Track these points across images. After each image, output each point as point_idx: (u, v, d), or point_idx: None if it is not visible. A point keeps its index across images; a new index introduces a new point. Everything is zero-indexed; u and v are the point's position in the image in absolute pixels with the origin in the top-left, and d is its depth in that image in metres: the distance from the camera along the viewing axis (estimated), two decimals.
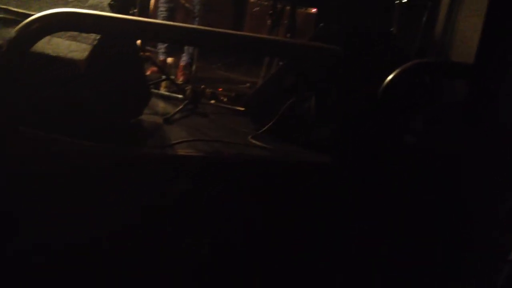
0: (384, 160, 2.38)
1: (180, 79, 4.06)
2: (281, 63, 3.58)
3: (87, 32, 2.18)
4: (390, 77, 2.13)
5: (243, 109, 3.33)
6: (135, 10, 3.98)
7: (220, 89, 3.89)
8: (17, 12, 2.25)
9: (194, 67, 3.91)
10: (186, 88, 3.35)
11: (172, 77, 3.78)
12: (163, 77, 3.55)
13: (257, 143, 2.71)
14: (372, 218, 2.39)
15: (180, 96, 3.34)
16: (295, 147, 2.72)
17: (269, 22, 4.03)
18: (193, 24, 4.15)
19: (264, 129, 2.84)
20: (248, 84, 4.37)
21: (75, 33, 2.20)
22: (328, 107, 2.72)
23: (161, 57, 4.32)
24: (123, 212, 2.23)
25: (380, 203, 2.39)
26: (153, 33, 2.10)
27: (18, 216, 2.09)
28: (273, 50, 2.26)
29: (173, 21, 4.22)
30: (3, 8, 2.27)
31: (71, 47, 2.18)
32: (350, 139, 2.45)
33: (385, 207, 2.41)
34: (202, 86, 3.68)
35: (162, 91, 3.52)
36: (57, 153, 2.20)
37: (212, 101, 3.55)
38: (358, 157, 2.27)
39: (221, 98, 3.65)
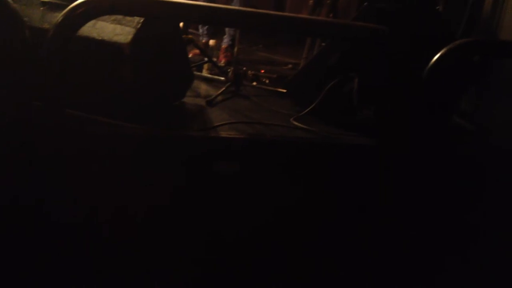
0: (431, 142, 2.34)
1: (222, 61, 4.07)
2: (323, 43, 3.54)
3: (131, 15, 2.20)
4: (436, 56, 2.08)
5: (285, 90, 3.31)
6: None
7: (262, 71, 3.88)
8: None
9: (236, 49, 3.90)
10: (228, 70, 3.35)
11: (214, 59, 3.78)
12: (205, 59, 3.55)
13: (300, 125, 2.69)
14: (418, 201, 2.35)
15: (222, 78, 3.34)
16: (338, 129, 2.69)
17: (311, 1, 3.98)
18: (233, 5, 4.14)
19: (306, 110, 2.82)
20: (290, 65, 4.34)
21: (120, 17, 2.23)
22: (372, 87, 2.68)
23: (203, 39, 4.33)
24: (168, 195, 2.26)
25: (427, 185, 2.35)
26: (194, 16, 2.10)
27: (62, 195, 2.15)
28: (317, 30, 2.23)
29: (214, 2, 4.23)
30: None
31: (115, 30, 2.21)
32: (396, 121, 2.41)
33: (431, 190, 2.37)
34: (244, 68, 3.67)
35: (205, 73, 3.53)
36: (101, 135, 2.24)
37: (254, 83, 3.54)
38: (404, 139, 2.22)
39: (263, 79, 3.64)
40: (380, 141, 2.48)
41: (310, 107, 2.81)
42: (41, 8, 2.31)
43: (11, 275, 2.13)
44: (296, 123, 2.71)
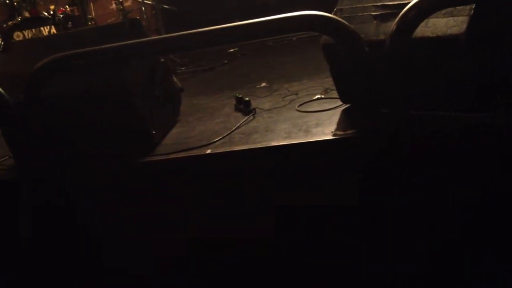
0: None
1: None
2: None
3: (463, 3, 2.13)
4: None
5: None
6: None
7: None
8: (392, 5, 2.37)
9: None
10: None
11: None
12: None
13: None
14: None
15: None
16: None
17: None
18: None
19: None
20: None
21: (450, 9, 2.18)
22: None
23: None
24: None
25: None
26: None
27: None
28: None
29: None
30: (380, 5, 2.43)
31: (448, 23, 2.17)
32: None
33: None
34: None
35: None
36: (451, 130, 2.22)
37: None
38: None
39: None
40: None
41: None
42: (374, 22, 2.43)
43: None
44: None
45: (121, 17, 5.39)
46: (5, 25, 4.79)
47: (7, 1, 4.90)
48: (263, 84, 3.67)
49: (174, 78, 3.53)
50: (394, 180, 2.24)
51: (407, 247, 2.29)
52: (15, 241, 2.68)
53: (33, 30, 4.84)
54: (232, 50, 5.26)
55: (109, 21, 5.68)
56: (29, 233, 2.62)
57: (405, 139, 2.15)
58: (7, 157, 2.87)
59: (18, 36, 4.78)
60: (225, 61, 4.92)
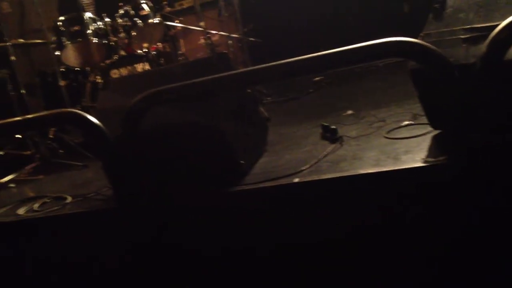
0: None
1: None
2: None
3: None
4: None
5: None
6: None
7: None
8: (482, 28, 2.31)
9: None
10: None
11: None
12: None
13: None
14: None
15: None
16: None
17: None
18: None
19: None
20: None
21: None
22: None
23: None
24: None
25: None
26: None
27: None
28: None
29: None
30: (468, 28, 2.37)
31: None
32: None
33: None
34: None
35: None
36: None
37: None
38: None
39: None
40: None
41: None
42: (463, 45, 2.38)
43: None
44: None
45: (209, 51, 5.58)
46: (103, 64, 5.10)
47: (104, 41, 5.22)
48: (350, 112, 3.66)
49: (261, 108, 3.61)
50: (489, 209, 2.15)
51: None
52: (114, 269, 2.81)
53: (128, 67, 5.12)
54: (317, 78, 5.29)
55: (198, 55, 5.89)
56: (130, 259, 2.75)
57: (500, 165, 2.07)
58: (106, 188, 3.05)
59: (114, 73, 5.06)
60: (311, 90, 4.96)
